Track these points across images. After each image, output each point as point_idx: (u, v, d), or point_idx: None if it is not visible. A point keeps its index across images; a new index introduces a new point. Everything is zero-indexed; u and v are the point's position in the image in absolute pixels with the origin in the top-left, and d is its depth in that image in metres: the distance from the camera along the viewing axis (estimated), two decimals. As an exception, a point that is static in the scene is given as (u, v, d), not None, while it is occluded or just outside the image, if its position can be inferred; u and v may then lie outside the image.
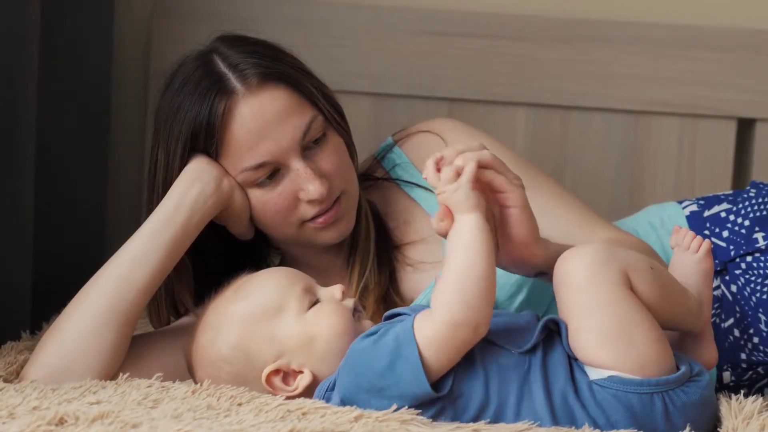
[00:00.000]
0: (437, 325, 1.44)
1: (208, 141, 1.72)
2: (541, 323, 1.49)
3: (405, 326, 1.46)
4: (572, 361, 1.48)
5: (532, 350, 1.48)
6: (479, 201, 1.48)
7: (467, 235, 1.46)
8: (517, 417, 1.45)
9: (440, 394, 1.44)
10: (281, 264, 1.90)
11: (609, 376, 1.45)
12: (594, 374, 1.46)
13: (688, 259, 1.59)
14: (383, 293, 1.79)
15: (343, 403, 1.47)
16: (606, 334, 1.46)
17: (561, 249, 1.55)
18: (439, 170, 1.50)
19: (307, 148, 1.74)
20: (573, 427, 1.45)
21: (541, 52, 2.45)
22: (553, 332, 1.51)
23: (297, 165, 1.73)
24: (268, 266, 1.87)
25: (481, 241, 1.46)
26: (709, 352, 1.58)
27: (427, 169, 1.51)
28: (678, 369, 1.48)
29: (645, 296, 1.49)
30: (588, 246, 1.53)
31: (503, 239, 1.55)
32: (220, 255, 1.82)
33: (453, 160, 1.50)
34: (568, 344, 1.48)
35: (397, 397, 1.44)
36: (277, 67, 1.74)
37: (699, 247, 1.59)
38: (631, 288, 1.48)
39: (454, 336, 1.44)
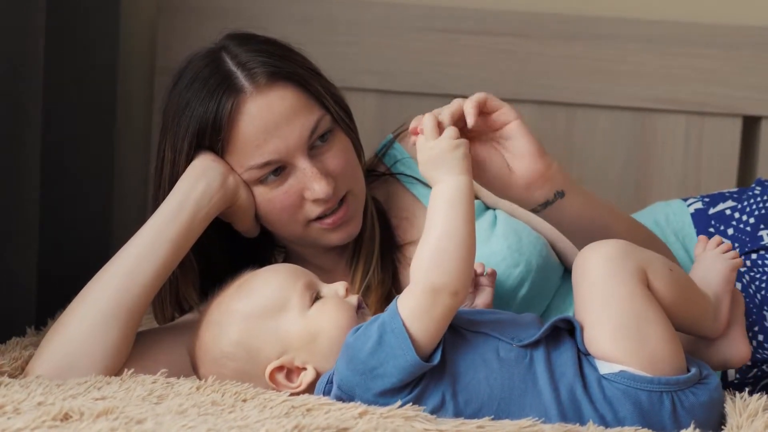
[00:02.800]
0: (417, 293, 1.45)
1: (214, 138, 1.72)
2: (551, 321, 1.50)
3: (390, 306, 1.47)
4: (583, 357, 1.49)
5: (535, 345, 1.48)
6: (470, 163, 1.50)
7: (454, 199, 1.47)
8: (522, 410, 1.45)
9: (430, 364, 1.44)
10: (285, 260, 1.90)
11: (620, 371, 1.46)
12: (605, 368, 1.47)
13: (712, 264, 1.61)
14: (386, 293, 1.80)
15: (340, 389, 1.47)
16: (619, 328, 1.46)
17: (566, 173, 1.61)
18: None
19: (314, 147, 1.74)
20: (578, 424, 1.44)
21: (548, 49, 2.45)
22: (561, 330, 1.51)
23: (303, 164, 1.73)
24: (272, 264, 1.87)
25: (467, 205, 1.47)
26: (740, 347, 1.59)
27: (426, 123, 1.52)
28: (688, 370, 1.48)
29: (662, 295, 1.50)
30: (607, 241, 1.54)
31: (513, 157, 1.57)
32: (224, 252, 1.82)
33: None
34: (582, 341, 1.49)
35: (389, 374, 1.44)
36: (286, 66, 1.74)
37: (726, 250, 1.63)
38: (649, 286, 1.49)
39: (434, 303, 1.44)
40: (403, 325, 1.44)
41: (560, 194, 1.60)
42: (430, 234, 1.46)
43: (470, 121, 1.55)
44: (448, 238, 1.45)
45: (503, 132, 1.58)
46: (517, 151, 1.58)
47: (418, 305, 1.45)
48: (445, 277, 1.44)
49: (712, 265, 1.62)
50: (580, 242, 1.68)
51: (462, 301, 1.46)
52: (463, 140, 1.50)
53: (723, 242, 1.65)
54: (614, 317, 1.47)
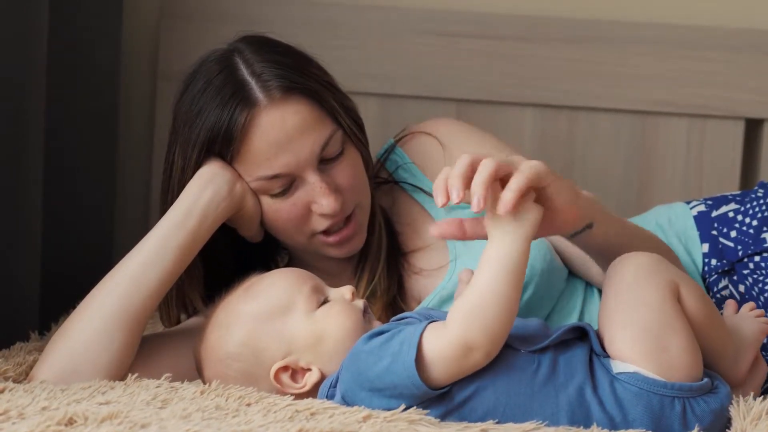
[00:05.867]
0: (450, 341, 1.43)
1: (224, 147, 1.71)
2: (561, 329, 1.50)
3: (413, 332, 1.45)
4: (595, 360, 1.49)
5: (542, 350, 1.48)
6: (535, 230, 1.45)
7: (509, 263, 1.43)
8: (530, 414, 1.45)
9: (438, 391, 1.44)
10: (289, 263, 1.90)
11: (634, 372, 1.46)
12: (619, 367, 1.47)
13: (743, 320, 1.64)
14: (391, 300, 1.79)
15: (344, 399, 1.47)
16: (643, 332, 1.47)
17: (597, 203, 1.58)
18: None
19: (324, 161, 1.73)
20: (582, 427, 1.44)
21: (549, 52, 2.45)
22: (570, 338, 1.51)
23: (312, 178, 1.72)
24: (277, 266, 1.88)
25: (520, 273, 1.44)
26: None
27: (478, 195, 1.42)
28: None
29: (691, 312, 1.51)
30: (644, 252, 1.54)
31: (550, 211, 1.50)
32: (230, 254, 1.82)
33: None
34: (598, 341, 1.49)
35: (396, 397, 1.44)
36: (302, 80, 1.72)
37: (759, 315, 1.66)
38: (679, 301, 1.50)
39: (465, 356, 1.43)
40: (420, 356, 1.42)
41: (589, 226, 1.58)
42: (477, 286, 1.43)
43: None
44: (495, 298, 1.42)
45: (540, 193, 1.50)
46: (554, 207, 1.51)
47: (448, 354, 1.43)
48: (484, 338, 1.42)
49: (743, 320, 1.65)
50: (604, 263, 1.66)
51: (490, 360, 1.45)
52: (539, 208, 1.45)
53: (756, 308, 1.69)
54: (641, 320, 1.48)
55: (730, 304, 1.72)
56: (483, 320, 1.42)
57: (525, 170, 1.45)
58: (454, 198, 1.42)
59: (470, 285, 1.45)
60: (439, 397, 1.45)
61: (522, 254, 1.44)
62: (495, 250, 1.44)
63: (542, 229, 1.51)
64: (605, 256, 1.64)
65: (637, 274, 1.50)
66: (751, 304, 1.71)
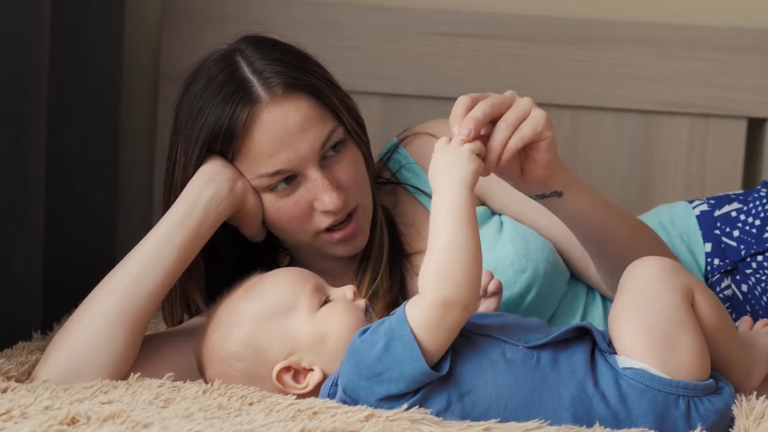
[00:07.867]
0: (428, 305, 1.44)
1: (226, 145, 1.71)
2: (564, 328, 1.50)
3: (397, 312, 1.47)
4: (598, 356, 1.49)
5: (542, 347, 1.48)
6: (477, 179, 1.49)
7: (457, 211, 1.46)
8: (531, 410, 1.45)
9: (439, 373, 1.44)
10: (290, 264, 1.90)
11: (640, 368, 1.46)
12: (626, 363, 1.47)
13: (757, 335, 1.64)
14: (393, 300, 1.80)
15: (345, 393, 1.47)
16: (653, 329, 1.48)
17: (574, 174, 1.61)
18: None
19: (325, 157, 1.74)
20: (585, 426, 1.44)
21: (551, 52, 2.45)
22: (571, 338, 1.51)
23: (314, 175, 1.72)
24: (279, 266, 1.88)
25: (470, 218, 1.46)
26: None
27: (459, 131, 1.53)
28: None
29: (704, 318, 1.51)
30: (662, 257, 1.56)
31: (526, 161, 1.56)
32: (231, 254, 1.82)
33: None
34: (603, 339, 1.49)
35: (396, 379, 1.44)
36: (303, 77, 1.73)
37: None
38: (693, 307, 1.51)
39: (445, 316, 1.44)
40: (413, 334, 1.44)
41: (557, 193, 1.60)
42: (436, 246, 1.46)
43: (506, 156, 1.53)
44: (455, 251, 1.44)
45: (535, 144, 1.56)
46: (534, 159, 1.56)
47: (429, 318, 1.44)
48: (456, 291, 1.43)
49: (758, 335, 1.65)
50: (581, 239, 1.69)
51: (473, 313, 1.46)
52: (479, 160, 1.49)
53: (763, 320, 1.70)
54: (653, 318, 1.48)
55: (745, 321, 1.73)
56: (452, 275, 1.43)
57: (537, 123, 1.54)
58: (464, 135, 1.51)
59: (430, 245, 1.46)
60: (441, 382, 1.45)
61: (469, 201, 1.46)
62: (441, 203, 1.47)
63: (514, 179, 1.58)
64: (587, 234, 1.67)
65: (654, 277, 1.51)
66: (766, 320, 1.71)
